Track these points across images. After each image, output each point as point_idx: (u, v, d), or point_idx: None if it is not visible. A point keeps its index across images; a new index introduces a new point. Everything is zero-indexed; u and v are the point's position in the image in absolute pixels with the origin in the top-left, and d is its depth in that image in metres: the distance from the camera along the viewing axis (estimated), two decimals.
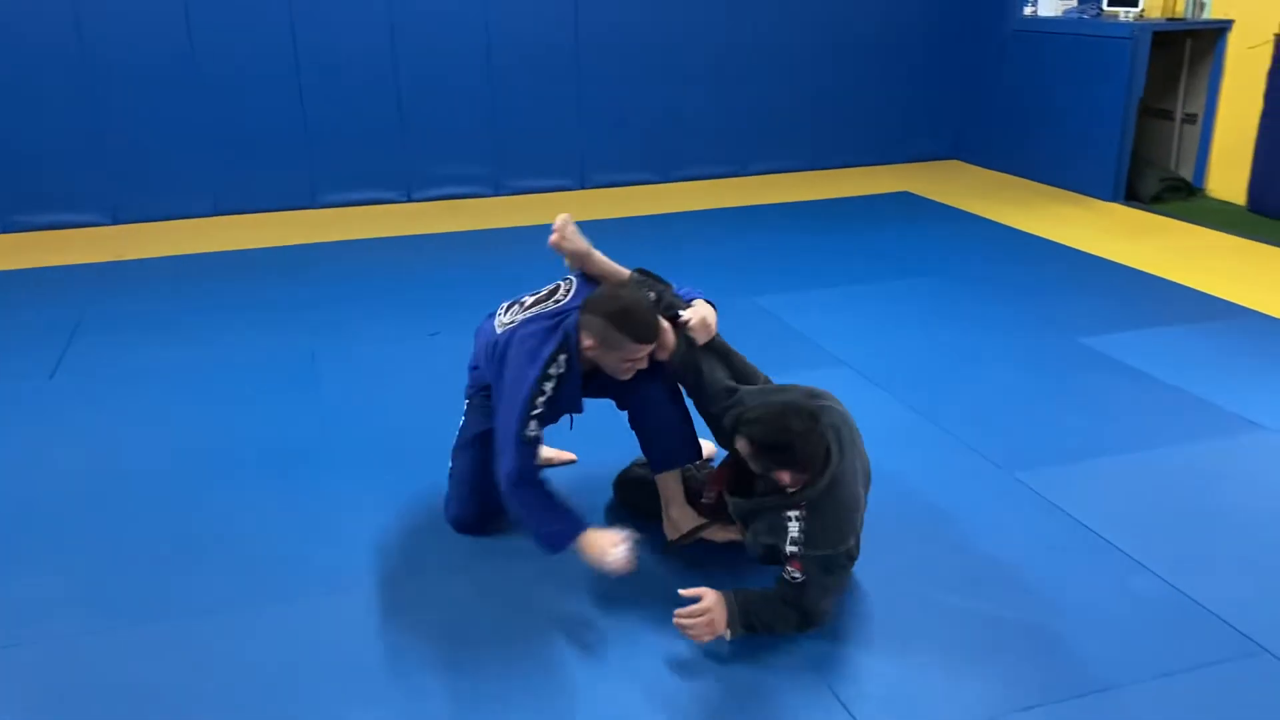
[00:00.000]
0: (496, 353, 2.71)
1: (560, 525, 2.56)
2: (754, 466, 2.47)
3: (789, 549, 2.41)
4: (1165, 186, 6.74)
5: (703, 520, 2.79)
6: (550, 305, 2.73)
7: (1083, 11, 7.02)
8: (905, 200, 6.90)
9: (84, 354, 4.34)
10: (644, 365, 2.64)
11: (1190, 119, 7.00)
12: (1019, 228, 6.13)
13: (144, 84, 6.28)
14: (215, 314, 4.81)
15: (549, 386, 2.58)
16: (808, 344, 4.34)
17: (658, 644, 2.46)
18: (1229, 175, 6.68)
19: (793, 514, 2.41)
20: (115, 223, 6.43)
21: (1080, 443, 3.47)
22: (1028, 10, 7.22)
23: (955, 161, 8.08)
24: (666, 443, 2.78)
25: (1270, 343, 4.30)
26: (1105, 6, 6.79)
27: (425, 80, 6.79)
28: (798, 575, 2.41)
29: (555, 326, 2.65)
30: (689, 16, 7.19)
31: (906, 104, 7.91)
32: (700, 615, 2.38)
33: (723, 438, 2.67)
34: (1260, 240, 5.80)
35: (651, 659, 2.42)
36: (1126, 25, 6.49)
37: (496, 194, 7.12)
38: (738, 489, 2.62)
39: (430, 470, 3.15)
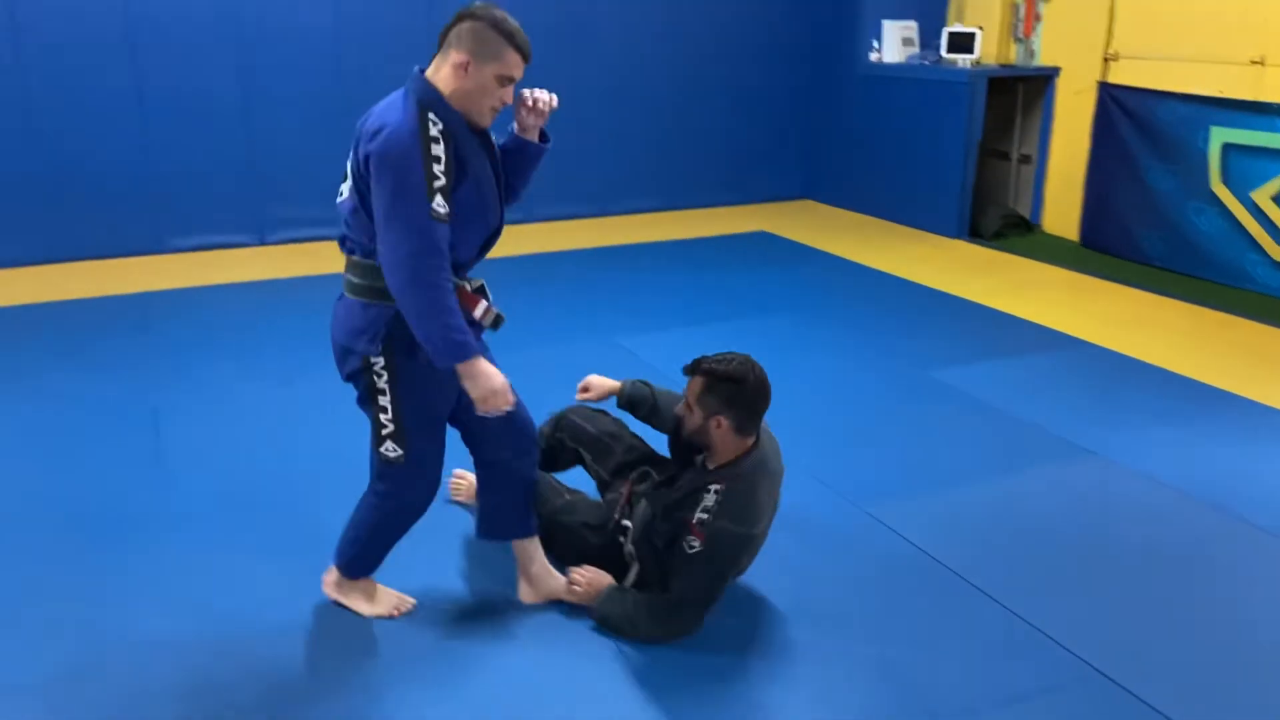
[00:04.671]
0: (358, 171, 2.25)
1: (465, 337, 2.22)
2: (695, 411, 2.54)
3: (699, 516, 2.49)
4: (1005, 223, 7.08)
5: (562, 581, 2.75)
6: None
7: (924, 58, 7.34)
8: (761, 239, 7.05)
9: None
10: (510, 102, 2.34)
11: (1025, 159, 7.39)
12: (870, 265, 6.32)
13: None
14: (50, 363, 4.54)
15: (438, 149, 2.18)
16: (666, 382, 4.33)
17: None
18: (1062, 212, 7.06)
19: (713, 487, 2.52)
20: None
21: (927, 474, 3.57)
22: (873, 56, 7.51)
23: (809, 201, 8.31)
24: (507, 516, 2.71)
25: (1100, 372, 4.53)
26: (944, 53, 7.12)
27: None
28: (696, 544, 2.48)
29: (401, 95, 2.27)
30: (541, 56, 7.18)
31: (761, 146, 8.12)
32: (589, 577, 2.67)
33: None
34: (1090, 274, 6.13)
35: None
36: (964, 71, 6.82)
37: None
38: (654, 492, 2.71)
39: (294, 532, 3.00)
